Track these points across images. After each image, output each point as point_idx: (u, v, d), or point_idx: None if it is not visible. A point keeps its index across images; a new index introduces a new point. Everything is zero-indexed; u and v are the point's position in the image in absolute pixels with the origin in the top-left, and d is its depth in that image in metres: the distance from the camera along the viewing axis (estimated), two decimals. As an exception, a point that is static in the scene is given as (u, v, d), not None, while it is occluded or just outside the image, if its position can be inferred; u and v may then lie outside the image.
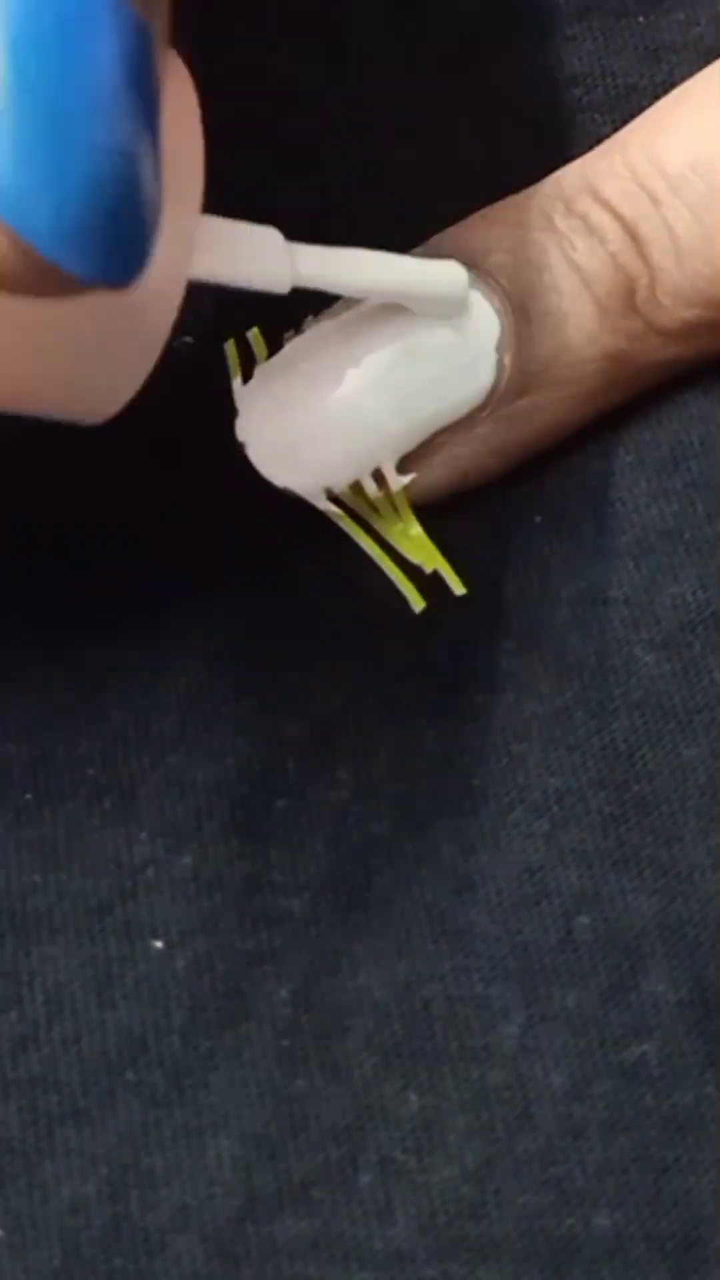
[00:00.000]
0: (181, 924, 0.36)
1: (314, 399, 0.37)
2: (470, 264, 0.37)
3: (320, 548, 0.39)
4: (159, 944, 0.36)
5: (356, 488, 0.37)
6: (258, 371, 0.38)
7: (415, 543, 0.38)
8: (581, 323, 0.37)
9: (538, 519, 0.40)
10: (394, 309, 0.37)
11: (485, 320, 0.37)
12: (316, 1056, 0.35)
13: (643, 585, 0.39)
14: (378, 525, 0.38)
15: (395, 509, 0.38)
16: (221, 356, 0.39)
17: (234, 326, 0.39)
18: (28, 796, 0.37)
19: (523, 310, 0.37)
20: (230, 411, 0.39)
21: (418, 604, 0.38)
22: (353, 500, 0.38)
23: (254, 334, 0.38)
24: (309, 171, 0.39)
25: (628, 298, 0.37)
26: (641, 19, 0.42)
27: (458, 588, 0.38)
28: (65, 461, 0.39)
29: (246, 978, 0.36)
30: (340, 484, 0.37)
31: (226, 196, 0.40)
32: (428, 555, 0.38)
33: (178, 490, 0.39)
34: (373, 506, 0.38)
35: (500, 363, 0.37)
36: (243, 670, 0.38)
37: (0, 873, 0.36)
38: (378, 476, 0.37)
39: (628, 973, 0.36)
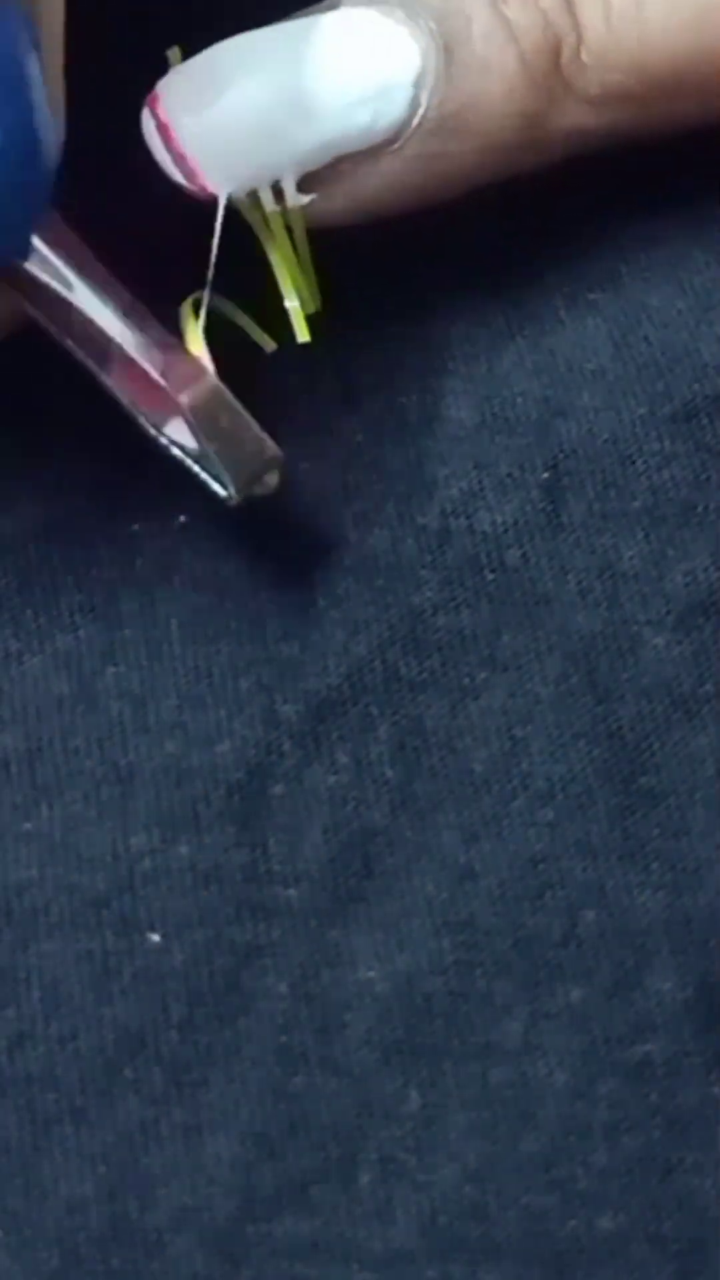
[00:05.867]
0: (179, 916, 0.35)
1: (223, 93, 0.36)
2: (402, 4, 0.37)
3: (315, 511, 0.38)
4: (156, 937, 0.35)
5: (253, 199, 0.37)
6: (171, 72, 0.37)
7: (289, 264, 0.38)
8: (504, 74, 0.37)
9: (544, 475, 0.39)
10: (321, 26, 0.37)
11: (407, 53, 0.37)
12: (316, 1052, 0.35)
13: (653, 559, 0.38)
14: (267, 245, 0.38)
15: (289, 230, 0.38)
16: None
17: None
18: (25, 789, 0.36)
19: (448, 53, 0.37)
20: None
21: (303, 335, 0.38)
22: (248, 212, 0.38)
23: (174, 52, 0.38)
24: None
25: (552, 56, 0.38)
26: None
27: (303, 334, 0.38)
28: (57, 438, 0.38)
29: (245, 970, 0.35)
30: (240, 187, 0.37)
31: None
32: (302, 282, 0.38)
33: (172, 467, 0.38)
34: (266, 223, 0.38)
35: (416, 99, 0.37)
36: (239, 648, 0.37)
37: (-4, 867, 0.36)
38: (276, 194, 0.37)
39: (633, 969, 0.35)
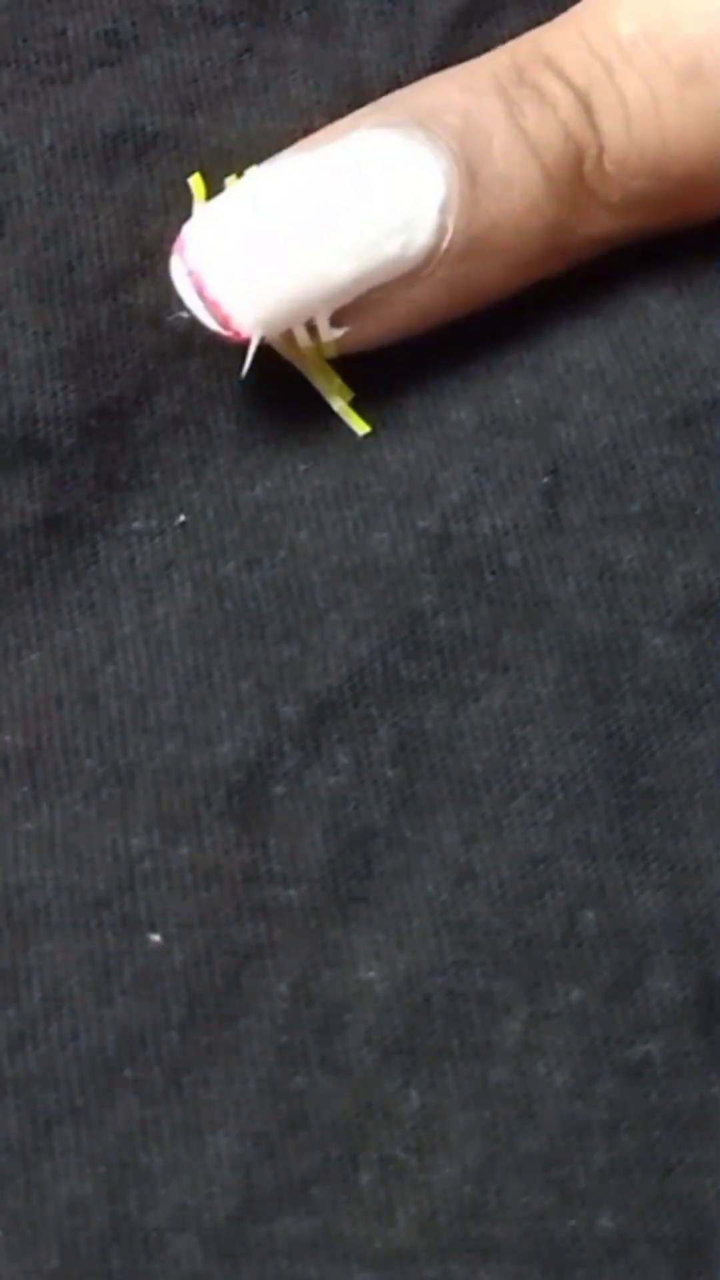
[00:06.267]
0: (179, 916, 0.35)
1: (254, 241, 0.36)
2: (421, 124, 0.37)
3: (314, 512, 0.38)
4: (156, 937, 0.35)
5: (288, 336, 0.37)
6: (196, 215, 0.37)
7: (331, 382, 0.38)
8: (528, 190, 0.37)
9: (544, 479, 0.39)
10: (343, 157, 0.36)
11: (433, 180, 0.36)
12: (316, 1052, 0.35)
13: (652, 561, 0.38)
14: (305, 372, 0.38)
15: (322, 361, 0.38)
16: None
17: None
18: (25, 790, 0.36)
19: (470, 175, 0.37)
20: (229, 384, 0.39)
21: (360, 428, 0.38)
22: (283, 349, 0.37)
23: (195, 180, 0.38)
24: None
25: (575, 167, 0.37)
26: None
27: (360, 427, 0.38)
28: (58, 445, 0.38)
29: (245, 971, 0.35)
30: (275, 330, 0.37)
31: (233, 161, 0.39)
32: (341, 392, 0.39)
33: (172, 468, 0.38)
34: (300, 356, 0.38)
35: (443, 225, 0.37)
36: (240, 649, 0.37)
37: (-4, 867, 0.36)
38: (309, 329, 0.37)
39: (633, 969, 0.35)
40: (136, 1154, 0.34)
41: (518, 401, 0.39)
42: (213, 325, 0.36)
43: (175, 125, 0.40)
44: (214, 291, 0.36)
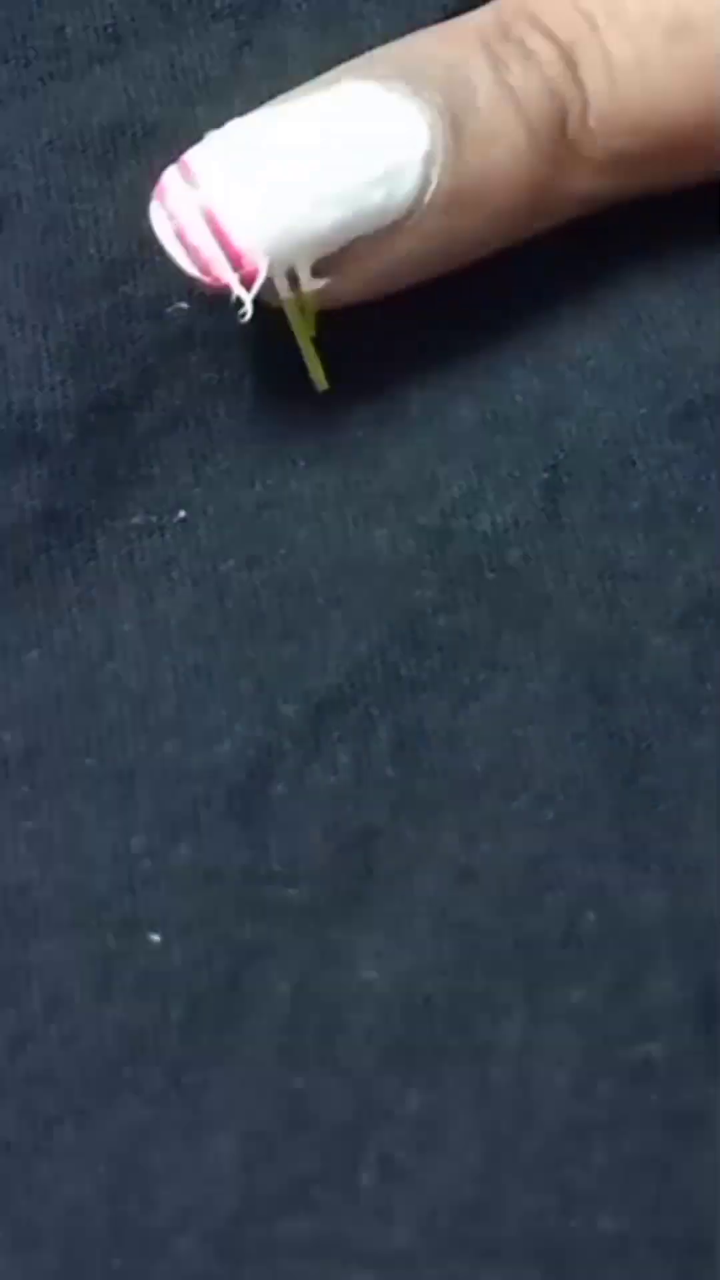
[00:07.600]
0: (179, 916, 0.35)
1: (242, 183, 0.36)
2: (405, 77, 0.37)
3: (314, 510, 0.38)
4: (157, 937, 0.35)
5: (268, 286, 0.36)
6: (201, 145, 0.36)
7: (307, 345, 0.38)
8: (512, 145, 0.37)
9: (544, 475, 0.39)
10: (325, 107, 0.36)
11: (415, 131, 0.36)
12: (316, 1053, 0.35)
13: (653, 559, 0.38)
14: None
15: (301, 313, 0.38)
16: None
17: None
18: (25, 789, 0.36)
19: (455, 127, 0.36)
20: (230, 378, 0.38)
21: (321, 384, 0.38)
22: (263, 299, 0.37)
23: None
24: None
25: (559, 123, 0.37)
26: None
27: (320, 383, 0.38)
28: (57, 440, 0.38)
29: (246, 971, 0.35)
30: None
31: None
32: (317, 360, 0.38)
33: (172, 464, 0.38)
34: (279, 308, 0.37)
35: (427, 177, 0.36)
36: (239, 648, 0.37)
37: (-3, 867, 0.36)
38: (290, 279, 0.36)
39: (634, 970, 0.35)
40: (136, 1154, 0.34)
41: (518, 397, 0.39)
42: (193, 271, 0.36)
43: (174, 117, 0.40)
44: (195, 237, 0.36)
